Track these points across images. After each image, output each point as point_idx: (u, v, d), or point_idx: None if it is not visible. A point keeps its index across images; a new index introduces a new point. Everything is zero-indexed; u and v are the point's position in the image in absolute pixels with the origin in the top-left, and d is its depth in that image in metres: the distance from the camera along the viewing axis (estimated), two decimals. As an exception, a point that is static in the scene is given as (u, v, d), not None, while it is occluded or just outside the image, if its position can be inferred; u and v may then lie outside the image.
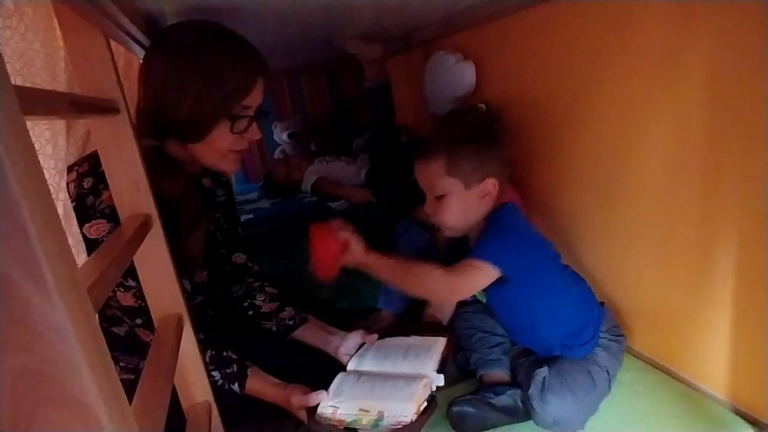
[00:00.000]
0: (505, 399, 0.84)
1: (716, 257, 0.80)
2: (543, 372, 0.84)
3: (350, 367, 0.92)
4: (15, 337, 0.24)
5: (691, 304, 0.86)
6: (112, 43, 0.93)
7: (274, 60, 2.02)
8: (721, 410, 0.82)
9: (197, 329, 0.88)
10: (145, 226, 0.69)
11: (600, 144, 0.99)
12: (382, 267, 0.83)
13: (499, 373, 0.92)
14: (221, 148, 0.82)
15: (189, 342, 0.79)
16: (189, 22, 0.82)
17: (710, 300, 0.82)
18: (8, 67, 0.46)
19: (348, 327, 1.20)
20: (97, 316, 0.68)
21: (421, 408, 0.78)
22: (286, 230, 1.43)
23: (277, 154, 2.24)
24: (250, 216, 1.50)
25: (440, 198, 0.86)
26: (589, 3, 0.93)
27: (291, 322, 1.03)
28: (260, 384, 0.88)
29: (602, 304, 0.96)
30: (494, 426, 0.83)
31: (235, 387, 0.87)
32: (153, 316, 0.76)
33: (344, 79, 2.35)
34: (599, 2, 0.90)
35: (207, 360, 0.86)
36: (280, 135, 2.20)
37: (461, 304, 1.07)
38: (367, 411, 0.79)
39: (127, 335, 0.85)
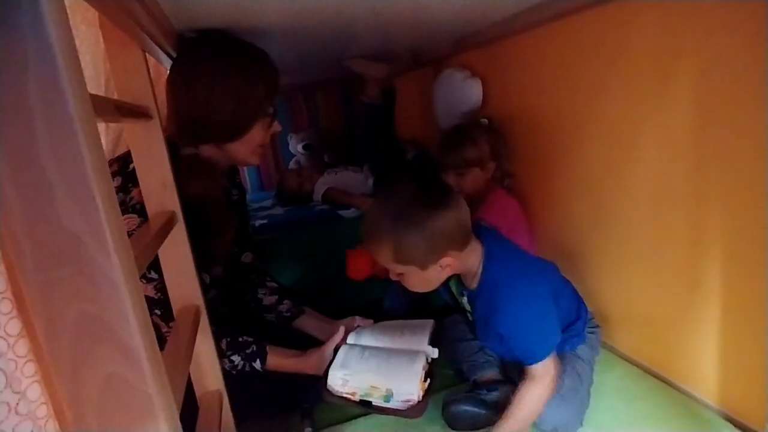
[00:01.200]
0: (497, 395, 0.88)
1: (705, 267, 0.83)
2: None
3: (350, 340, 1.00)
4: (80, 286, 0.30)
5: (681, 312, 0.90)
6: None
7: (291, 75, 2.12)
8: (712, 416, 0.85)
9: (232, 348, 0.96)
10: (170, 222, 0.75)
11: (595, 159, 1.04)
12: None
13: (490, 373, 0.96)
14: (255, 143, 0.93)
15: (204, 333, 0.84)
16: (215, 34, 0.91)
17: (700, 307, 0.85)
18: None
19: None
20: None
21: (425, 386, 0.88)
22: (299, 235, 1.49)
23: (291, 164, 2.32)
24: (265, 221, 1.57)
25: (400, 274, 0.82)
26: (584, 25, 0.98)
27: (288, 314, 1.11)
28: (279, 357, 0.97)
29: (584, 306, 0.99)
30: (489, 422, 0.86)
31: (257, 364, 0.94)
32: (173, 306, 0.81)
33: (358, 96, 2.44)
34: (593, 24, 0.96)
35: (223, 347, 0.92)
36: (295, 146, 2.29)
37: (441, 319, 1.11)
38: (377, 388, 0.87)
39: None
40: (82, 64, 0.62)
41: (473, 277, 0.86)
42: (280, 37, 1.17)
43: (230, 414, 0.89)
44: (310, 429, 0.96)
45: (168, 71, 0.96)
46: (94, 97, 0.51)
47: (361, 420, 0.97)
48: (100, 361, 0.32)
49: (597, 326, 0.99)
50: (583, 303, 0.98)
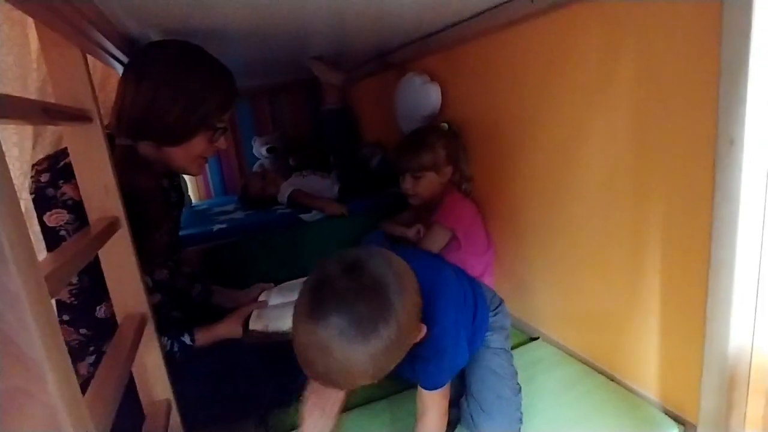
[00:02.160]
0: (456, 412, 0.90)
1: (646, 267, 0.87)
2: (464, 406, 0.90)
3: (261, 298, 1.10)
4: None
5: (624, 311, 0.93)
6: (91, 58, 0.99)
7: (256, 78, 2.10)
8: (653, 410, 0.88)
9: (161, 332, 0.93)
10: (112, 227, 0.73)
11: (546, 164, 1.07)
12: None
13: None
14: (195, 153, 0.93)
15: (150, 341, 0.82)
16: (179, 41, 0.91)
17: (641, 307, 0.89)
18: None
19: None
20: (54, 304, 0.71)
21: None
22: (259, 239, 1.47)
23: (255, 167, 2.29)
24: (224, 225, 1.54)
25: None
26: (534, 32, 1.01)
27: (200, 298, 1.17)
28: (205, 329, 0.99)
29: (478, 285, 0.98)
30: None
31: (186, 338, 0.96)
32: (117, 315, 0.79)
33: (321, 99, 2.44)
34: (543, 32, 0.99)
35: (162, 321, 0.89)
36: (259, 149, 2.26)
37: None
38: None
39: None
40: (4, 66, 0.60)
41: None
42: (241, 39, 1.16)
43: (179, 423, 0.87)
44: (264, 436, 0.95)
45: (120, 74, 0.94)
46: (12, 99, 0.50)
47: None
48: (1, 375, 0.30)
49: (500, 302, 0.98)
50: (480, 290, 0.95)
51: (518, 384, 0.91)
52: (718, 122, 0.64)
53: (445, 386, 0.80)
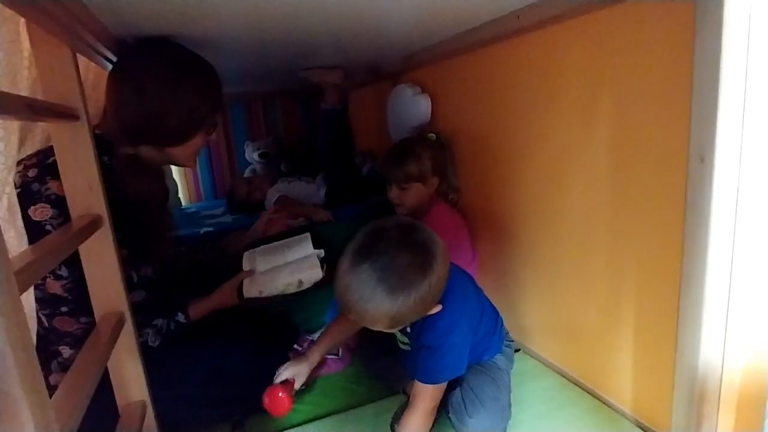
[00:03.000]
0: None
1: (621, 281, 0.88)
2: (457, 394, 0.90)
3: (245, 266, 1.14)
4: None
5: (601, 326, 0.95)
6: (83, 59, 1.00)
7: (250, 83, 2.12)
8: (627, 424, 0.89)
9: (155, 314, 0.97)
10: (93, 225, 0.73)
11: (530, 176, 1.09)
12: None
13: None
14: (195, 149, 0.99)
15: (128, 340, 0.82)
16: (165, 43, 0.94)
17: (617, 322, 0.90)
18: (-30, 72, 0.52)
19: (295, 340, 1.24)
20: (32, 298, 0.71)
21: (325, 268, 1.09)
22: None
23: (247, 172, 2.30)
24: (211, 229, 1.54)
25: None
26: (521, 49, 1.04)
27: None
28: (197, 304, 1.03)
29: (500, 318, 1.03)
30: None
31: (180, 317, 0.99)
32: (95, 313, 0.79)
33: (317, 105, 2.46)
34: (530, 49, 1.02)
35: (140, 320, 0.91)
36: (252, 154, 2.27)
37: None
38: (290, 284, 1.08)
39: (45, 331, 0.87)
40: (-6, 62, 0.61)
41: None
42: (234, 47, 1.18)
43: (154, 425, 0.86)
44: (241, 441, 0.95)
45: (109, 73, 0.95)
46: (-5, 95, 0.50)
47: (294, 429, 0.96)
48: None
49: (512, 341, 1.04)
50: (500, 317, 1.02)
51: (510, 408, 0.91)
52: (689, 140, 0.66)
53: (436, 385, 0.81)
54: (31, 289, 0.71)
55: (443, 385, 0.83)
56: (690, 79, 0.66)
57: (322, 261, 1.12)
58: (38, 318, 0.87)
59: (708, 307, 0.69)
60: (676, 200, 0.72)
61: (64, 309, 0.84)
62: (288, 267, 1.12)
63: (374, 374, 1.13)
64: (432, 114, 1.43)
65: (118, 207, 0.92)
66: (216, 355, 1.04)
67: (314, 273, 1.09)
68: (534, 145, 1.06)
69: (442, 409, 0.89)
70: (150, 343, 0.95)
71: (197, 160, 1.04)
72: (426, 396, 0.82)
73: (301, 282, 1.09)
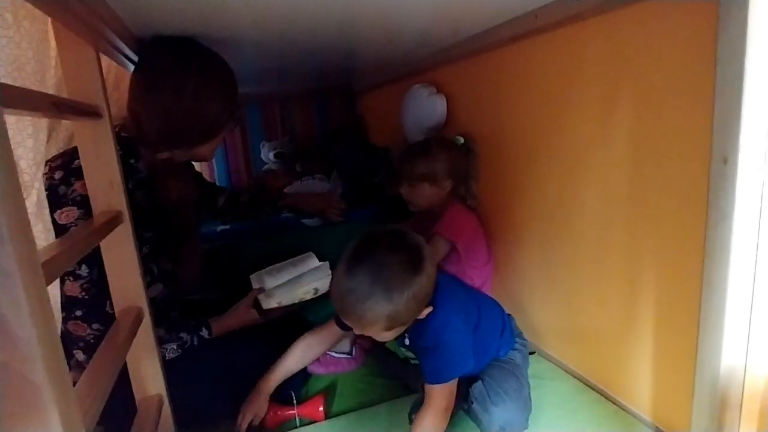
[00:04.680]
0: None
1: (641, 287, 0.87)
2: (479, 386, 0.90)
3: (254, 285, 1.17)
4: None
5: (619, 329, 0.93)
6: (105, 58, 1.02)
7: (267, 84, 2.14)
8: (645, 429, 0.87)
9: (178, 329, 0.99)
10: (114, 221, 0.75)
11: (547, 179, 1.08)
12: None
13: None
14: (219, 143, 1.02)
15: (146, 335, 0.83)
16: (186, 43, 0.95)
17: (636, 325, 0.89)
18: (1, 70, 0.54)
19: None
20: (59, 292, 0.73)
21: None
22: (261, 243, 1.48)
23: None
24: (227, 227, 1.56)
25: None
26: (539, 49, 1.03)
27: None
28: (218, 321, 1.05)
29: (509, 315, 1.05)
30: None
31: (204, 333, 1.01)
32: (115, 307, 0.81)
33: (334, 107, 2.48)
34: (547, 48, 1.01)
35: (165, 333, 0.95)
36: (267, 154, 2.29)
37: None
38: (306, 292, 1.14)
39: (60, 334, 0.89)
40: (24, 60, 0.63)
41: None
42: (253, 47, 1.19)
43: (170, 419, 0.88)
44: (256, 439, 0.95)
45: (135, 76, 0.97)
46: (24, 91, 0.52)
47: (308, 427, 0.97)
48: (-10, 349, 0.32)
49: (525, 339, 1.04)
50: (507, 315, 1.03)
51: (531, 402, 0.92)
52: (712, 141, 0.65)
53: (447, 384, 0.82)
54: (56, 283, 0.73)
55: (453, 384, 0.83)
56: (713, 78, 0.65)
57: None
58: None
59: (731, 312, 0.67)
60: (698, 202, 0.70)
61: (78, 313, 0.85)
62: (303, 278, 1.18)
63: (388, 374, 1.14)
64: (448, 114, 1.42)
65: (152, 208, 0.95)
66: (229, 352, 1.05)
67: (328, 280, 1.13)
68: (551, 146, 1.05)
69: (459, 405, 0.89)
70: (168, 356, 0.95)
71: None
72: (437, 396, 0.82)
73: (316, 290, 1.15)
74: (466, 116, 1.38)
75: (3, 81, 0.44)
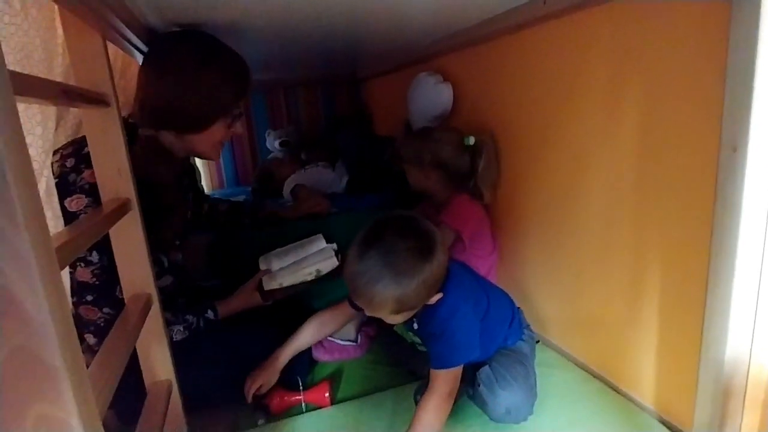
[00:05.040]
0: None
1: (645, 279, 0.87)
2: (486, 370, 0.90)
3: (262, 266, 1.18)
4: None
5: (624, 320, 0.93)
6: (112, 46, 1.02)
7: (272, 71, 2.13)
8: (648, 418, 0.88)
9: (185, 311, 1.00)
10: (123, 209, 0.76)
11: (553, 168, 1.07)
12: None
13: None
14: (214, 139, 0.98)
15: (155, 322, 0.84)
16: (195, 33, 0.95)
17: (640, 317, 0.89)
18: (9, 58, 0.54)
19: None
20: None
21: (339, 258, 1.16)
22: (266, 231, 1.49)
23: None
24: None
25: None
26: (546, 35, 1.02)
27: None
28: (225, 303, 1.06)
29: (518, 308, 1.06)
30: None
31: (210, 315, 1.03)
32: (125, 293, 0.82)
33: (339, 95, 2.47)
34: (553, 37, 0.99)
35: (171, 316, 0.96)
36: (273, 143, 2.29)
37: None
38: (308, 273, 1.14)
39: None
40: (31, 48, 0.63)
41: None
42: (259, 34, 1.19)
43: (179, 404, 0.89)
44: (262, 420, 0.97)
45: (140, 62, 0.97)
46: (34, 79, 0.52)
47: (314, 413, 0.98)
48: (5, 332, 0.32)
49: (533, 333, 1.05)
50: (515, 306, 1.04)
51: (537, 389, 0.93)
52: (721, 129, 0.64)
53: (452, 369, 0.83)
54: (66, 270, 0.74)
55: (458, 371, 0.84)
56: (724, 65, 0.64)
57: (337, 252, 1.19)
58: None
59: (737, 301, 0.68)
60: (705, 192, 0.70)
61: (89, 298, 0.87)
62: (305, 260, 1.18)
63: (394, 360, 1.15)
64: (454, 103, 1.42)
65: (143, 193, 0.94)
66: (235, 338, 1.06)
67: (330, 262, 1.16)
68: (558, 135, 1.04)
69: (463, 389, 0.91)
70: (176, 338, 0.98)
71: (219, 152, 1.03)
72: (441, 381, 0.83)
73: (319, 271, 1.15)
74: (473, 105, 1.37)
75: (11, 69, 0.45)
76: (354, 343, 1.19)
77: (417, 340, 0.97)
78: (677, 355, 0.83)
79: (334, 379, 1.09)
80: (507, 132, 1.22)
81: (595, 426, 0.88)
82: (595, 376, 1.02)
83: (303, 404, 1.00)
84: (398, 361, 1.14)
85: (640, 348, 0.90)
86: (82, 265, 0.85)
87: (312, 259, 1.18)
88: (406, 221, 0.81)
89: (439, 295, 0.83)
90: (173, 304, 1.00)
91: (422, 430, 0.81)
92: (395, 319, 0.84)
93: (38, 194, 0.35)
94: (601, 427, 0.87)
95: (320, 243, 1.25)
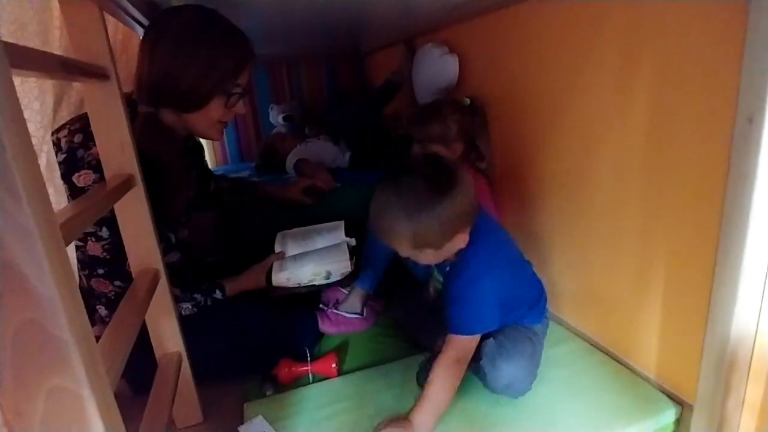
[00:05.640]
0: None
1: (653, 246, 0.86)
2: (491, 342, 0.91)
3: (277, 247, 1.17)
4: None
5: (629, 294, 0.93)
6: (113, 20, 1.00)
7: (274, 45, 2.09)
8: (650, 389, 0.89)
9: (192, 289, 1.02)
10: (127, 184, 0.75)
11: (563, 142, 1.05)
12: (434, 411, 0.83)
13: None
14: (213, 118, 0.95)
15: (163, 296, 0.86)
16: (192, 6, 0.91)
17: (646, 290, 0.89)
18: (2, 30, 0.53)
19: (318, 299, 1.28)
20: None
21: (354, 261, 1.13)
22: (271, 206, 1.49)
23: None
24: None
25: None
26: (559, 11, 0.98)
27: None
28: (232, 283, 1.07)
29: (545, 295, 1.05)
30: None
31: (217, 294, 1.04)
32: (132, 269, 0.82)
33: (342, 70, 2.43)
34: (570, 11, 0.96)
35: (180, 293, 0.98)
36: (276, 118, 2.27)
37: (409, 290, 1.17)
38: (317, 273, 1.09)
39: (82, 290, 0.91)
40: (25, 20, 0.62)
41: (457, 253, 0.87)
42: (262, 7, 1.15)
43: (189, 375, 0.91)
44: (271, 390, 0.99)
45: (140, 36, 0.95)
46: (30, 51, 0.51)
47: (321, 383, 1.00)
48: (13, 307, 0.33)
49: (548, 319, 1.04)
50: (545, 294, 1.02)
51: (538, 368, 0.93)
52: (738, 99, 0.62)
53: (465, 336, 0.84)
54: (72, 245, 0.74)
55: (471, 340, 0.85)
56: (743, 32, 0.61)
57: (352, 251, 1.13)
58: (79, 276, 0.92)
59: (746, 273, 0.67)
60: (718, 163, 0.69)
61: (100, 271, 0.88)
62: (317, 254, 1.13)
63: (399, 334, 1.16)
64: (460, 75, 1.38)
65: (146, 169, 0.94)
66: (244, 310, 1.08)
67: (343, 265, 1.10)
68: (567, 107, 1.02)
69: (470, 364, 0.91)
70: (184, 313, 0.99)
71: (220, 131, 0.99)
72: (452, 345, 0.84)
73: (329, 273, 1.10)
74: (479, 77, 1.34)
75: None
76: (360, 316, 1.21)
77: (440, 278, 0.98)
78: (683, 328, 0.84)
79: (340, 351, 1.11)
80: (515, 105, 1.20)
81: (597, 397, 0.89)
82: (598, 348, 1.03)
83: (310, 375, 1.02)
84: (404, 335, 1.15)
85: (645, 320, 0.91)
86: (93, 239, 0.86)
87: (325, 255, 1.12)
88: (428, 159, 0.83)
89: (465, 239, 0.82)
90: (181, 279, 1.01)
91: (433, 391, 0.83)
92: (421, 258, 0.84)
93: (39, 168, 0.34)
94: (604, 397, 0.88)
95: (339, 234, 1.19)
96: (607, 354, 1.00)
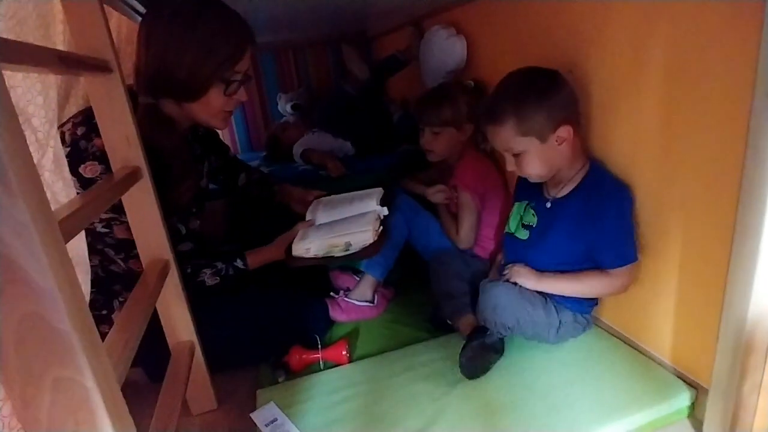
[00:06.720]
0: (492, 337, 0.93)
1: (668, 228, 0.84)
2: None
3: (308, 216, 1.14)
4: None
5: (644, 279, 0.91)
6: (116, 13, 0.99)
7: (280, 32, 2.07)
8: (665, 373, 0.88)
9: (214, 258, 1.03)
10: (133, 176, 0.76)
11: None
12: (557, 286, 0.94)
13: (471, 317, 1.01)
14: (214, 107, 0.93)
15: (174, 286, 0.87)
16: None
17: (661, 276, 0.87)
18: (1, 25, 0.53)
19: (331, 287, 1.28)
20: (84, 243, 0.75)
21: (378, 231, 1.05)
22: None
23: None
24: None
25: (518, 155, 0.89)
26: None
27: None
28: (254, 253, 1.06)
29: None
30: (493, 363, 0.94)
31: (239, 263, 1.04)
32: (142, 259, 0.84)
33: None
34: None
35: (203, 262, 1.00)
36: (284, 106, 2.26)
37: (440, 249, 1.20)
38: (336, 245, 1.03)
39: (124, 272, 0.93)
40: (24, 14, 0.61)
41: (567, 181, 0.93)
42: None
43: (203, 363, 0.93)
44: (283, 377, 1.00)
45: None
46: (25, 45, 0.51)
47: (332, 370, 1.01)
48: (15, 301, 0.33)
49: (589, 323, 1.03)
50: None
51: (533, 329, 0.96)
52: (757, 74, 0.59)
53: (631, 264, 0.88)
54: (82, 235, 0.75)
55: (637, 267, 0.89)
56: (763, 4, 0.58)
57: (381, 222, 1.08)
58: (114, 261, 0.92)
59: (763, 256, 0.65)
60: (735, 139, 0.66)
61: (135, 252, 0.85)
62: (341, 224, 1.07)
63: (409, 321, 1.17)
64: (468, 57, 1.35)
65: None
66: (256, 298, 1.09)
67: (364, 235, 1.02)
68: (579, 83, 0.99)
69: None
70: (208, 282, 0.99)
71: (225, 120, 0.98)
72: (620, 276, 0.89)
73: (348, 244, 1.02)
74: (488, 58, 1.31)
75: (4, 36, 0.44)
76: (371, 304, 1.21)
77: (531, 221, 0.99)
78: (697, 310, 0.82)
79: (351, 338, 1.12)
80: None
81: (612, 380, 0.88)
82: (611, 333, 1.01)
83: (321, 362, 1.03)
84: (414, 321, 1.15)
85: (658, 303, 0.89)
86: (117, 224, 0.87)
87: (348, 225, 1.06)
88: (531, 67, 0.91)
89: (569, 134, 0.86)
90: (201, 264, 1.01)
91: (576, 279, 0.92)
92: (525, 159, 0.88)
93: (33, 163, 0.34)
94: (619, 381, 0.87)
95: (370, 203, 1.13)
96: (620, 338, 0.99)
